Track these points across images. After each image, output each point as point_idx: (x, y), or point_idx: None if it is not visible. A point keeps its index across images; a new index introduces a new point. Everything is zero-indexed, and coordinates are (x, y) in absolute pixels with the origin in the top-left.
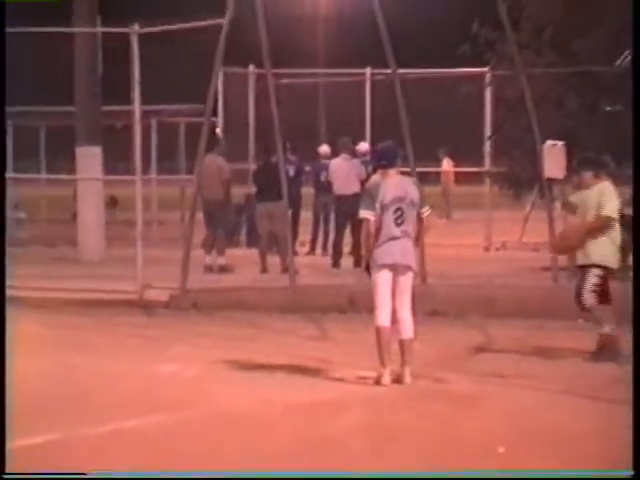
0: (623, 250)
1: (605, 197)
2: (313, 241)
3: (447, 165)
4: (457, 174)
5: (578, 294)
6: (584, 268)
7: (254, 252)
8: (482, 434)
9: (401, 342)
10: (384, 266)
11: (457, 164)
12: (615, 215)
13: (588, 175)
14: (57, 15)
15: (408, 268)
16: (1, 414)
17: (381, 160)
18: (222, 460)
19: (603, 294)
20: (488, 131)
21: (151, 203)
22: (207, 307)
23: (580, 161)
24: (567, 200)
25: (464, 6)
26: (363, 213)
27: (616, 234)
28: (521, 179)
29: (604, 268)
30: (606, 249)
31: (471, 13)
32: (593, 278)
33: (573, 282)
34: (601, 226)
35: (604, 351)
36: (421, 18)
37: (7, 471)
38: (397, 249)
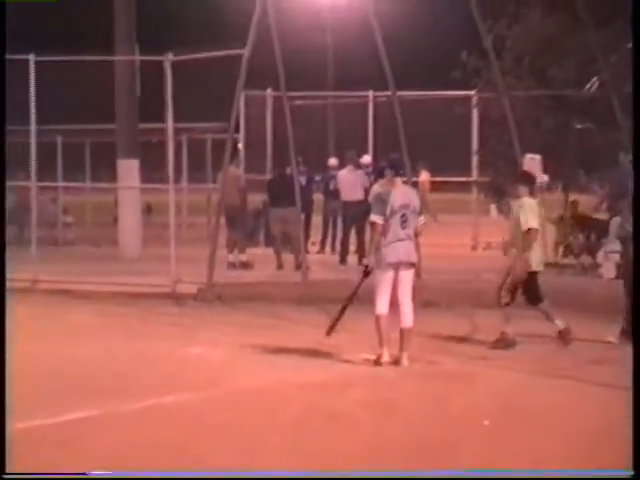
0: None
1: (526, 212)
2: (323, 241)
3: (424, 176)
4: (443, 183)
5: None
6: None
7: (271, 251)
8: (469, 409)
9: (401, 330)
10: (389, 264)
11: (442, 175)
12: (536, 225)
13: (524, 190)
14: (100, 44)
15: (411, 265)
16: (1, 414)
17: (392, 169)
18: (246, 432)
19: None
20: (475, 146)
21: (182, 208)
22: (230, 299)
23: (519, 176)
24: (501, 205)
25: (454, 38)
26: (374, 217)
27: (537, 242)
28: (504, 187)
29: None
30: (535, 256)
31: (460, 44)
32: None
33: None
34: (531, 239)
35: (499, 342)
36: (418, 48)
37: (8, 471)
38: (401, 249)
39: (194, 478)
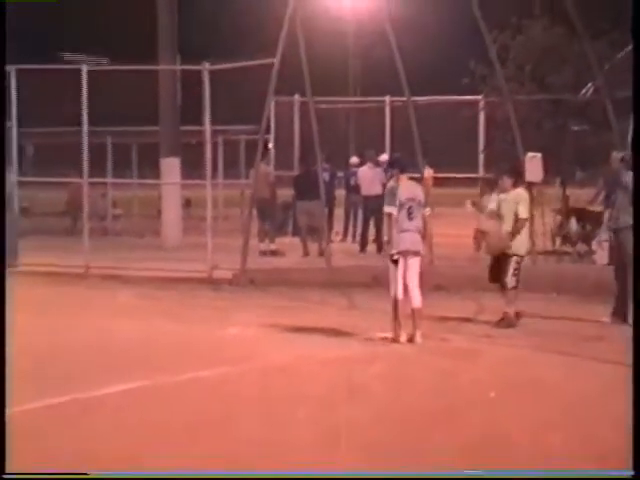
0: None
1: (521, 203)
2: (345, 231)
3: (427, 173)
4: (452, 179)
5: (503, 277)
6: (506, 257)
7: (298, 240)
8: (476, 382)
9: (412, 310)
10: (398, 252)
11: (452, 171)
12: (528, 216)
13: (508, 182)
14: (145, 55)
15: (416, 253)
16: (1, 413)
17: (395, 167)
18: (274, 403)
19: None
20: (482, 145)
21: (218, 202)
22: (261, 283)
23: (503, 169)
24: (476, 201)
25: (463, 47)
26: (389, 209)
27: (526, 229)
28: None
29: (520, 256)
30: (522, 242)
31: (469, 53)
32: (514, 264)
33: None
34: (520, 227)
35: (503, 322)
36: (430, 57)
37: (7, 471)
38: (408, 239)
39: (194, 478)
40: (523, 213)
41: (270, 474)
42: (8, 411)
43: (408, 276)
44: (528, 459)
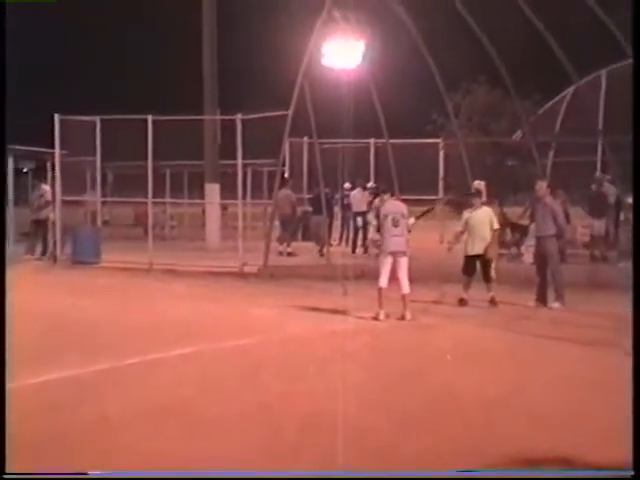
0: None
1: (493, 216)
2: (340, 238)
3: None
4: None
5: (488, 273)
6: (485, 258)
7: (305, 244)
8: (437, 349)
9: (402, 296)
10: (389, 253)
11: (419, 194)
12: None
13: (477, 201)
14: (193, 106)
15: (404, 253)
16: (1, 414)
17: (386, 192)
18: (291, 363)
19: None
20: (441, 175)
21: (247, 216)
22: (279, 276)
23: (472, 193)
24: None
25: (428, 103)
26: (373, 221)
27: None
28: (460, 202)
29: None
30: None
31: (431, 107)
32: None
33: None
34: (496, 235)
35: (493, 303)
36: (403, 110)
37: (7, 471)
38: (395, 242)
39: (194, 478)
40: (496, 224)
41: (270, 474)
42: (92, 369)
43: (399, 271)
44: (470, 406)
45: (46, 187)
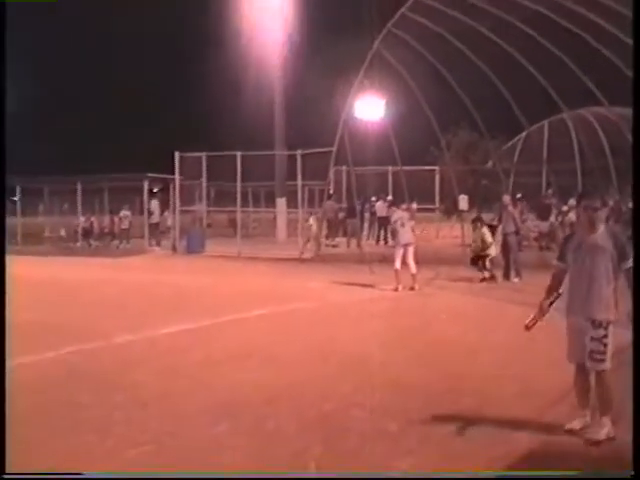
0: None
1: (485, 234)
2: (368, 235)
3: (413, 205)
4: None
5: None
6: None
7: (345, 239)
8: (435, 310)
9: (412, 275)
10: (402, 244)
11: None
12: (492, 240)
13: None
14: (269, 144)
15: (411, 244)
16: (1, 414)
17: (391, 205)
18: (333, 321)
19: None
20: (437, 191)
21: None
22: (327, 260)
23: (475, 219)
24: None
25: (428, 140)
26: (393, 224)
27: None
28: (450, 210)
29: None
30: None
31: (429, 143)
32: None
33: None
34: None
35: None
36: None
37: (7, 471)
38: (406, 236)
39: (194, 478)
40: (489, 237)
41: (270, 474)
42: (199, 324)
43: (408, 257)
44: (456, 347)
45: (155, 202)
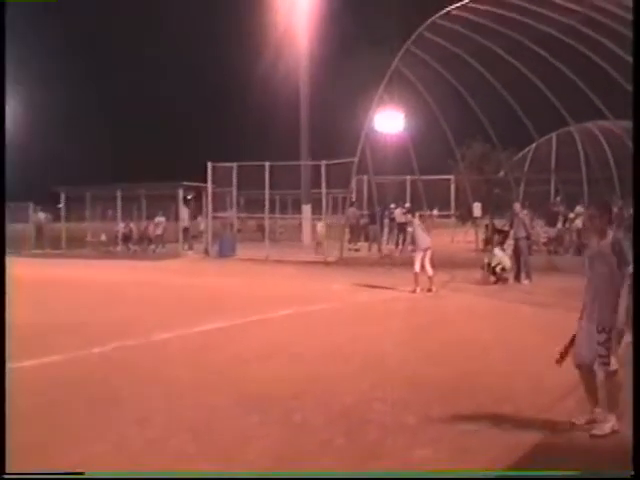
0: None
1: (503, 259)
2: (387, 239)
3: (434, 212)
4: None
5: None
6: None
7: (365, 244)
8: (449, 309)
9: (429, 277)
10: (422, 249)
11: (442, 211)
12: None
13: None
14: (293, 155)
15: (429, 249)
16: (1, 415)
17: (409, 213)
18: (356, 319)
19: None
20: (453, 200)
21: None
22: (350, 264)
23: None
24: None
25: (446, 153)
26: (410, 230)
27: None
28: (464, 216)
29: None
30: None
31: (447, 156)
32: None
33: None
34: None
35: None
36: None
37: (7, 471)
38: (426, 241)
39: (194, 478)
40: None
41: (270, 474)
42: (230, 323)
43: (426, 260)
44: (470, 346)
45: (184, 208)
